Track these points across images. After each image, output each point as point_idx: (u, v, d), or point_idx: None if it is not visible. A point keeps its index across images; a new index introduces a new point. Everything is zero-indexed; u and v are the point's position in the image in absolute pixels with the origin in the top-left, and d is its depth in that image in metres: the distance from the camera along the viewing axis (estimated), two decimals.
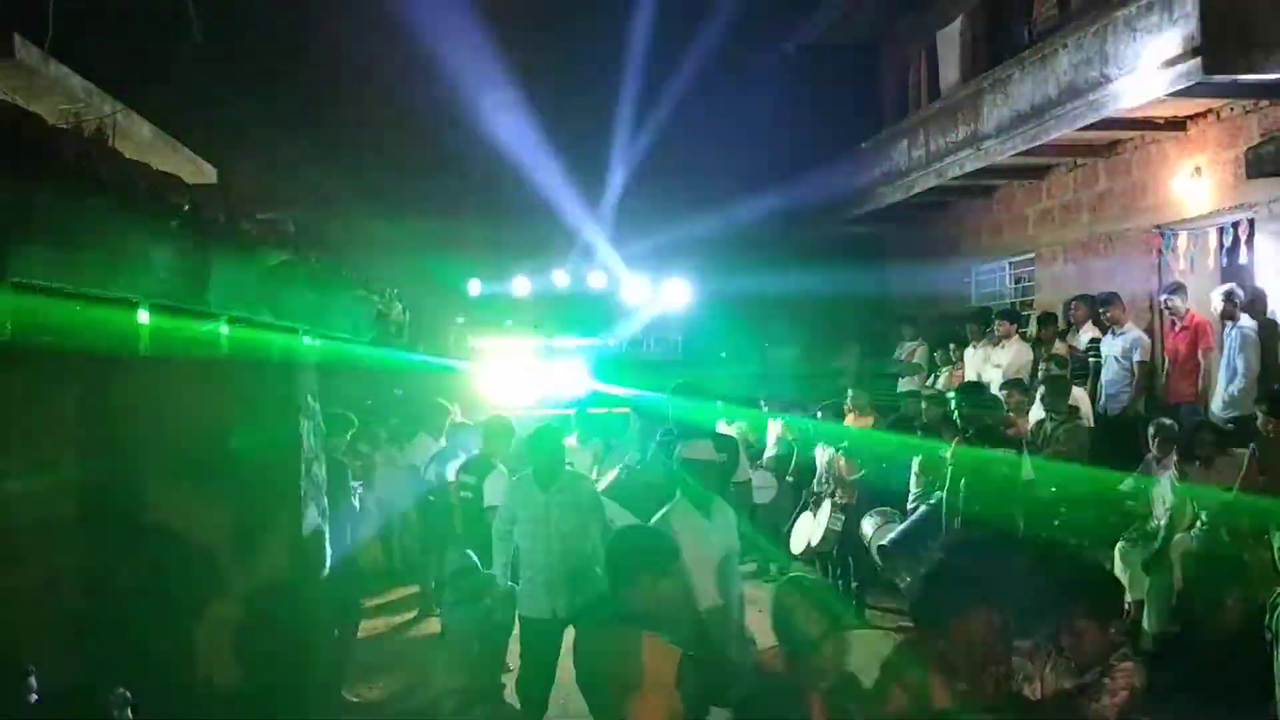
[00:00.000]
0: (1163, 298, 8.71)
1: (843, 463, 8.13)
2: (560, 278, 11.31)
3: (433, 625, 8.02)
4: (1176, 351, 8.42)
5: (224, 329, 4.47)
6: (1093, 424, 8.36)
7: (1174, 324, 8.44)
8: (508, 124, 14.50)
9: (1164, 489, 6.79)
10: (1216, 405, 7.70)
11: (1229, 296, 7.78)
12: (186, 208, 2.90)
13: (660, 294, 11.65)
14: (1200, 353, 8.23)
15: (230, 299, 3.69)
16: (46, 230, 2.46)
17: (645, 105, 14.93)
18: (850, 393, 8.86)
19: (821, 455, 8.51)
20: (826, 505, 8.07)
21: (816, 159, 14.58)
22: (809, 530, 8.30)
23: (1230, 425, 7.27)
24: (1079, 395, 8.50)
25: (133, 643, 4.02)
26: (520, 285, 11.20)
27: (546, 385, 11.32)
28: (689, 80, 14.65)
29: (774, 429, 10.03)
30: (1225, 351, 7.75)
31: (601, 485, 7.02)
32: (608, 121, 14.76)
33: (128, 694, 2.97)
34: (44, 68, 5.96)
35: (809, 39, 15.06)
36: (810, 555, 8.44)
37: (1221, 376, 7.78)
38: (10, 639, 3.55)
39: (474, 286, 10.99)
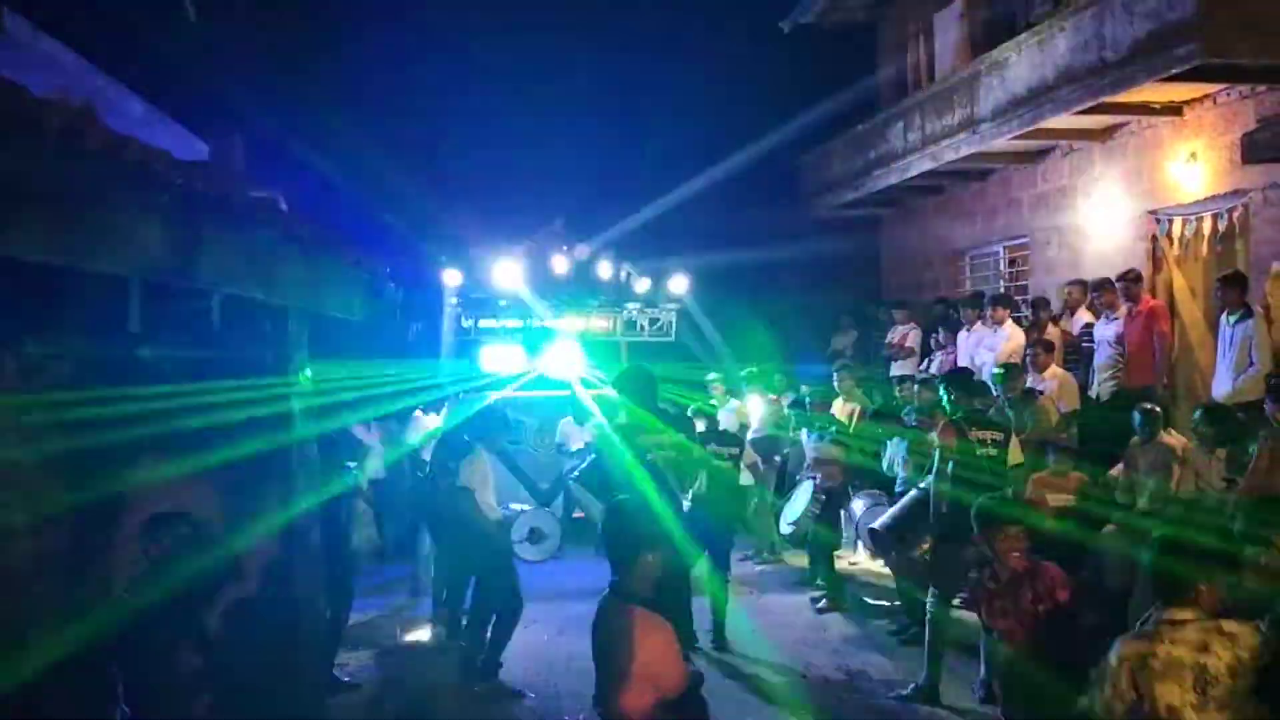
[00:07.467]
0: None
1: (827, 446, 8.16)
2: (557, 261, 11.25)
3: (425, 604, 8.05)
4: (1131, 339, 8.31)
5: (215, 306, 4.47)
6: (1079, 407, 8.41)
7: (1129, 310, 8.34)
8: (502, 102, 14.45)
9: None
10: (1221, 394, 7.34)
11: (1233, 282, 7.49)
12: (178, 182, 2.88)
13: (653, 277, 11.61)
14: (1155, 337, 8.17)
15: (221, 276, 3.67)
16: (31, 203, 2.44)
17: (638, 85, 14.86)
18: (836, 376, 8.84)
19: (806, 438, 8.53)
20: (806, 486, 8.11)
21: (811, 140, 14.56)
22: (791, 512, 8.35)
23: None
24: (1064, 377, 8.51)
25: (121, 623, 4.02)
26: (514, 268, 11.14)
27: (540, 367, 11.30)
28: (683, 59, 14.58)
29: (756, 410, 10.05)
30: (1231, 340, 7.35)
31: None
32: (599, 102, 14.71)
33: (116, 671, 2.97)
34: (34, 42, 5.91)
35: (806, 19, 14.98)
36: (798, 539, 8.49)
37: (1223, 365, 7.44)
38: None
39: (467, 269, 10.94)
